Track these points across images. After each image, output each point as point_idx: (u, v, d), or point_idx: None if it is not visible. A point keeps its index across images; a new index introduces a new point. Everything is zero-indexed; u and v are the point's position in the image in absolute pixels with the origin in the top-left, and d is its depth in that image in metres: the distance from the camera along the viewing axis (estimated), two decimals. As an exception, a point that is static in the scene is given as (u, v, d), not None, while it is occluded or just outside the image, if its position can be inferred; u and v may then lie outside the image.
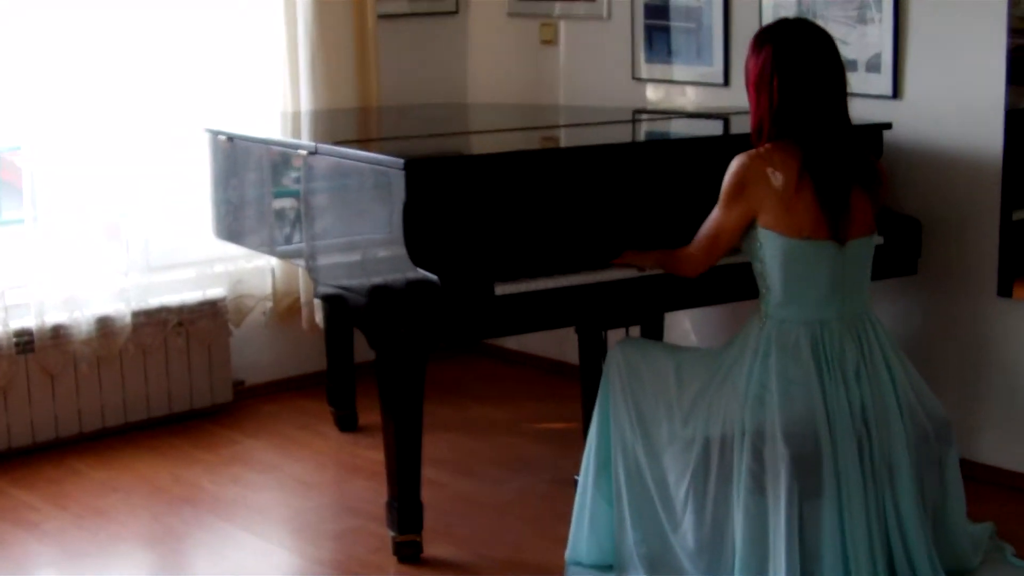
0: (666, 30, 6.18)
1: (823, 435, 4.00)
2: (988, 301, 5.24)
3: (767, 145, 4.08)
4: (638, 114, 6.02)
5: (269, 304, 6.41)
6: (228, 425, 6.16)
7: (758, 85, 4.10)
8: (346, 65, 6.30)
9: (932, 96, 5.25)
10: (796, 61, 4.05)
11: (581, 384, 5.26)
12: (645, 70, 6.30)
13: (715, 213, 4.13)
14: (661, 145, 5.15)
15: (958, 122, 5.21)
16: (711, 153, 4.57)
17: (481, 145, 5.20)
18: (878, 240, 4.25)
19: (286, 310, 6.45)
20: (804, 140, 4.04)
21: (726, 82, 5.99)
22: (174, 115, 6.12)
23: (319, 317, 6.29)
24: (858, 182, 4.10)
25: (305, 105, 6.22)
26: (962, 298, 5.30)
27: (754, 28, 5.46)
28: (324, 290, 4.86)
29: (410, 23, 6.85)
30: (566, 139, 5.30)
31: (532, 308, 4.32)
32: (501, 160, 4.67)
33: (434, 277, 4.16)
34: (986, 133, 5.13)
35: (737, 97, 5.75)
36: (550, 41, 6.74)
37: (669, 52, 6.19)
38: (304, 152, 4.86)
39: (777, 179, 4.00)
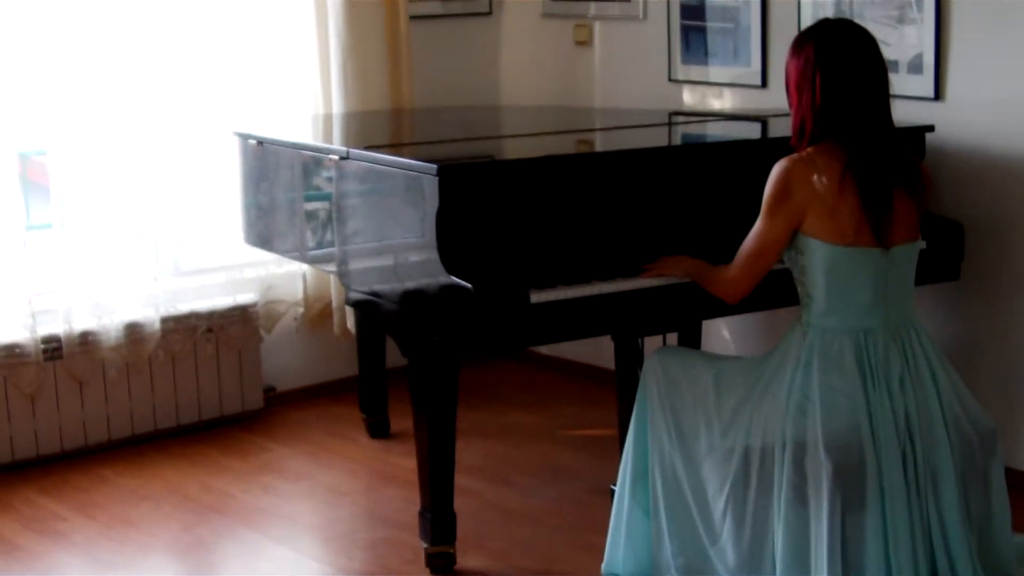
0: (703, 31, 6.08)
1: (867, 446, 3.89)
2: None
3: (809, 149, 3.97)
4: (674, 117, 5.91)
5: (300, 310, 6.34)
6: (259, 432, 6.08)
7: (800, 83, 4.00)
8: (378, 67, 6.22)
9: (975, 98, 5.15)
10: (839, 58, 3.95)
11: (617, 391, 5.13)
12: (681, 71, 6.21)
13: (758, 226, 4.02)
14: (698, 149, 5.04)
15: (1001, 124, 5.11)
16: (750, 157, 4.51)
17: (515, 149, 5.11)
18: (921, 245, 4.12)
19: (317, 316, 6.38)
20: (847, 140, 3.93)
21: (764, 83, 5.89)
22: (203, 118, 6.05)
23: (351, 323, 6.21)
24: (902, 185, 3.98)
25: (337, 107, 6.14)
26: (1006, 303, 5.20)
27: (792, 28, 5.50)
28: (356, 296, 4.78)
29: (443, 24, 6.77)
30: (602, 143, 5.22)
31: (568, 316, 4.23)
32: (535, 165, 4.57)
33: (468, 285, 4.08)
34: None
35: (775, 99, 5.67)
36: (585, 42, 6.64)
37: (706, 53, 6.09)
38: (336, 157, 4.77)
39: (822, 183, 3.90)
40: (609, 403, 5.43)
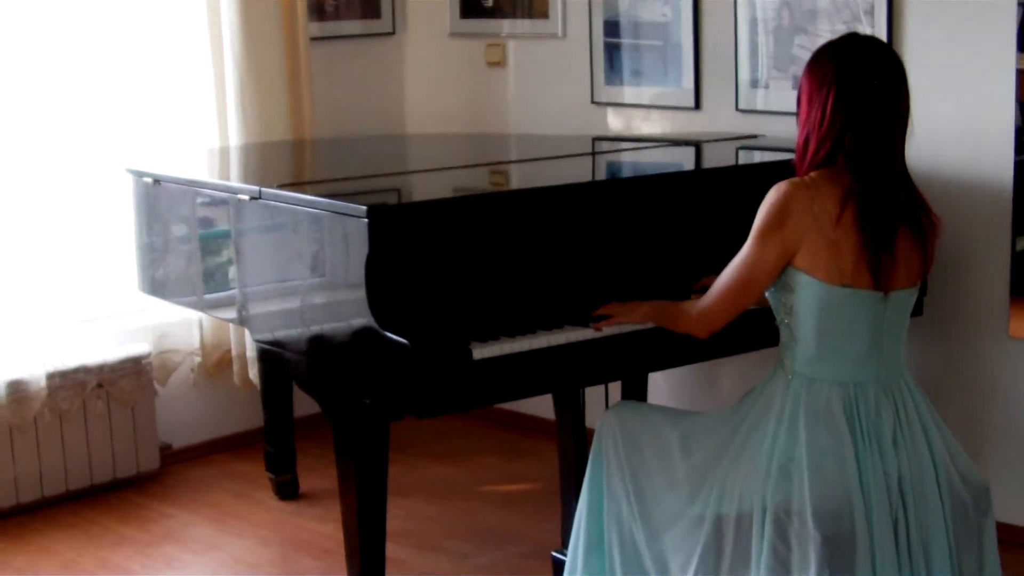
0: (628, 48, 5.67)
1: (858, 513, 3.52)
2: (998, 342, 4.81)
3: (812, 173, 3.60)
4: (600, 143, 5.51)
5: (197, 359, 5.92)
6: (157, 496, 5.62)
7: (811, 98, 3.62)
8: (277, 93, 5.84)
9: (932, 120, 4.77)
10: (858, 77, 3.56)
11: (558, 440, 4.75)
12: (605, 93, 5.81)
13: (746, 253, 3.63)
14: (655, 181, 4.57)
15: (962, 149, 4.80)
16: (708, 186, 4.20)
17: (445, 186, 4.64)
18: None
19: (216, 365, 5.96)
20: (853, 168, 3.55)
21: (697, 105, 5.50)
22: (91, 154, 5.62)
23: (253, 372, 5.75)
24: (908, 224, 3.61)
25: (235, 138, 5.73)
26: (970, 340, 4.84)
27: (728, 44, 5.24)
28: (266, 350, 4.31)
29: (343, 46, 6.36)
30: (539, 176, 4.73)
31: (517, 372, 3.80)
32: (476, 203, 4.14)
33: (403, 340, 3.64)
34: (993, 161, 4.73)
35: (708, 121, 5.36)
36: (498, 63, 6.24)
37: (632, 72, 5.68)
38: (245, 197, 4.28)
39: (822, 212, 3.53)
40: (533, 453, 5.16)
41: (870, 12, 4.92)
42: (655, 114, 5.66)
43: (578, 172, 4.84)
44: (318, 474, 5.58)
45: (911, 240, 3.60)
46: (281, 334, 4.22)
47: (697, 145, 5.23)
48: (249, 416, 6.04)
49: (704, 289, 3.91)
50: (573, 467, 4.64)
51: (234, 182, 4.66)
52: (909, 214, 3.61)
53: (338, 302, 3.91)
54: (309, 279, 4.09)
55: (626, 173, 5.00)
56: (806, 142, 3.61)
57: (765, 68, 5.25)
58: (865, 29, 4.91)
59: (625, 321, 3.95)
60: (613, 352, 3.95)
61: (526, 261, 4.06)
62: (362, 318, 3.76)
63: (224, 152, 5.63)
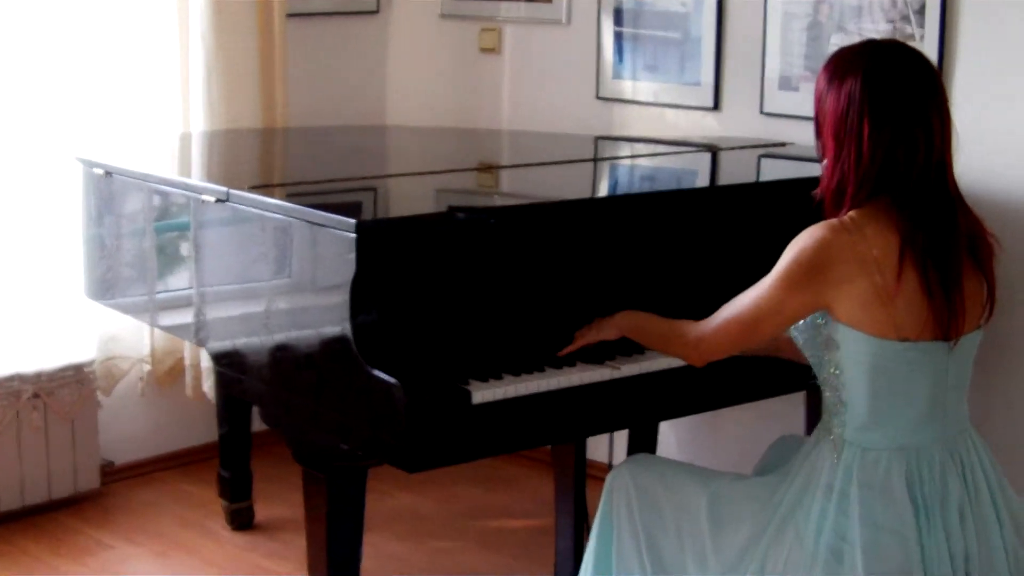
0: (641, 39, 5.11)
1: (920, 600, 3.01)
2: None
3: (852, 213, 3.03)
4: (604, 143, 4.95)
5: (147, 367, 5.33)
6: (95, 522, 5.03)
7: (840, 131, 3.05)
8: (248, 74, 5.28)
9: (988, 132, 4.26)
10: (895, 99, 3.01)
11: (554, 470, 4.20)
12: (612, 88, 5.24)
13: (766, 293, 3.08)
14: (684, 196, 3.98)
15: (1020, 162, 4.24)
16: (747, 202, 3.77)
17: (440, 196, 4.05)
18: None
19: (167, 374, 5.38)
20: (903, 205, 3.00)
21: (716, 105, 4.95)
22: (36, 138, 5.03)
23: (208, 384, 5.18)
24: (971, 257, 3.08)
25: (200, 123, 5.16)
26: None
27: (756, 39, 4.70)
28: (226, 376, 3.76)
29: (322, 24, 5.79)
30: (545, 186, 4.14)
31: (524, 419, 3.25)
32: (485, 218, 3.51)
33: (392, 380, 3.07)
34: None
35: (728, 123, 4.87)
36: (492, 49, 5.67)
37: (644, 66, 5.12)
38: (209, 198, 3.70)
39: (872, 262, 2.98)
40: (520, 483, 4.75)
41: (920, 11, 4.37)
42: (668, 113, 5.11)
43: (589, 184, 4.26)
44: (276, 501, 5.06)
45: (974, 273, 3.09)
46: (244, 360, 3.65)
47: (715, 152, 4.66)
48: (201, 431, 5.53)
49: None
50: (572, 503, 4.12)
51: (197, 179, 4.05)
52: (970, 243, 3.09)
53: (315, 330, 3.34)
54: (281, 300, 3.52)
55: (649, 186, 4.42)
56: (841, 184, 3.07)
57: (796, 68, 4.68)
58: (914, 30, 4.38)
59: (594, 340, 3.42)
60: (637, 394, 3.43)
61: (532, 286, 3.51)
62: (344, 350, 3.20)
63: (186, 140, 5.06)
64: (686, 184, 4.33)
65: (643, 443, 4.41)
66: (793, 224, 3.11)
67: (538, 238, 3.52)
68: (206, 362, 5.19)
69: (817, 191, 3.13)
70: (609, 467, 3.96)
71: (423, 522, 5.02)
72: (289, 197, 3.64)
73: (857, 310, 2.99)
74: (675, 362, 3.38)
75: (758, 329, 3.11)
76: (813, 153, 4.26)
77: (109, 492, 5.26)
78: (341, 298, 3.20)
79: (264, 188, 3.79)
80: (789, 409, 4.40)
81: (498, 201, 4.04)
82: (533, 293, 3.49)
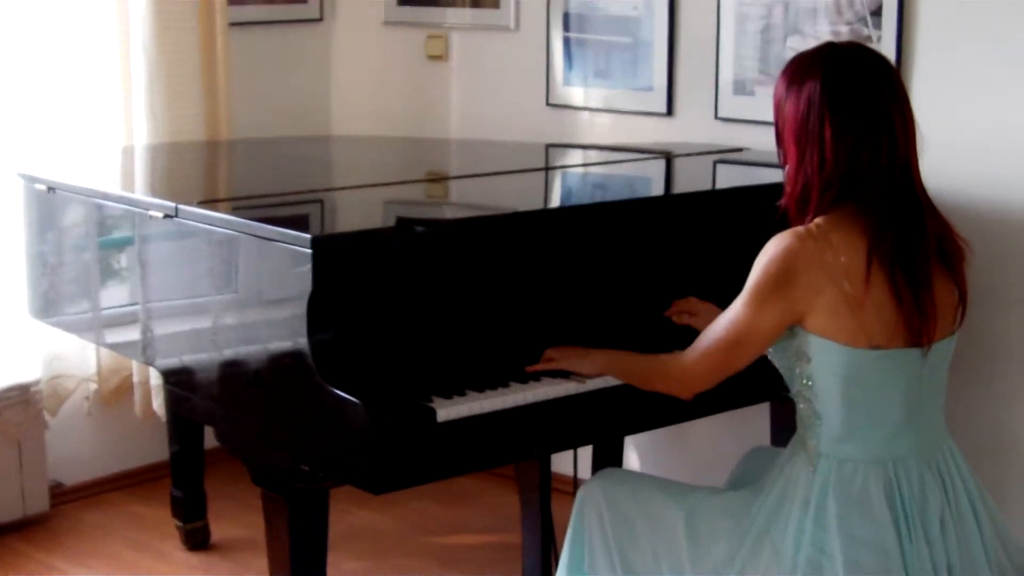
0: (591, 44, 5.03)
1: (900, 614, 2.94)
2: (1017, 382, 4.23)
3: (818, 220, 2.97)
4: (556, 151, 4.86)
5: (93, 386, 5.19)
6: (44, 546, 4.89)
7: (801, 135, 2.99)
8: (191, 85, 5.14)
9: (948, 135, 4.19)
10: (855, 100, 2.95)
11: (518, 484, 4.15)
12: (563, 94, 5.15)
13: (739, 314, 3.00)
14: (651, 204, 3.93)
15: (984, 167, 4.20)
16: (707, 210, 3.70)
17: (396, 208, 3.95)
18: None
19: (114, 393, 5.24)
20: (869, 209, 2.94)
21: (669, 111, 4.85)
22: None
23: (157, 402, 5.07)
24: (941, 261, 3.02)
25: (142, 137, 5.02)
26: (996, 385, 4.26)
27: (709, 43, 4.63)
28: (178, 395, 3.67)
29: (265, 32, 5.67)
30: (509, 197, 4.06)
31: (491, 436, 3.17)
32: (444, 231, 3.43)
33: (354, 400, 2.98)
34: (1019, 181, 4.12)
35: (681, 129, 4.79)
36: (440, 56, 5.57)
37: (595, 72, 5.04)
38: (157, 214, 3.59)
39: (840, 269, 2.92)
40: (476, 496, 4.67)
41: (877, 12, 4.31)
42: (621, 120, 5.02)
43: (547, 194, 4.18)
44: (232, 520, 4.94)
45: (945, 277, 3.03)
46: (198, 381, 3.56)
47: (669, 158, 4.60)
48: (151, 450, 5.39)
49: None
50: (538, 519, 4.06)
51: (144, 194, 3.95)
52: (938, 246, 3.02)
53: (272, 349, 3.24)
54: (234, 318, 3.42)
55: (610, 194, 4.33)
56: (805, 189, 3.00)
57: (751, 71, 4.61)
58: (871, 31, 4.32)
59: (567, 369, 3.32)
60: (606, 408, 3.34)
61: (491, 299, 3.42)
62: (302, 370, 3.11)
63: (129, 153, 4.94)
64: (645, 192, 4.28)
65: (608, 456, 4.33)
66: (755, 231, 3.06)
67: (496, 250, 3.45)
68: (155, 380, 5.07)
69: (781, 201, 3.07)
70: (574, 480, 3.91)
71: (382, 539, 4.90)
72: (240, 212, 3.53)
73: (827, 319, 2.93)
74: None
75: (740, 351, 3.03)
76: (772, 158, 4.21)
77: (58, 514, 5.12)
78: (298, 315, 3.11)
79: (213, 203, 3.69)
80: (753, 419, 4.34)
81: (454, 213, 3.96)
82: (493, 306, 3.41)
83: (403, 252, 3.29)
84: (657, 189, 4.36)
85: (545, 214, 3.71)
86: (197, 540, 4.87)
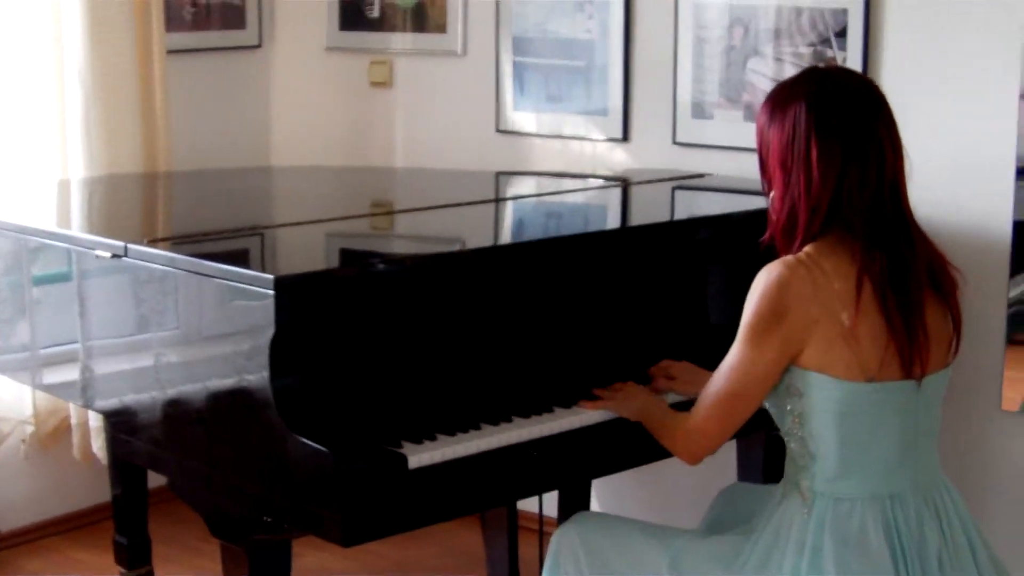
0: (543, 69, 4.89)
1: (902, 660, 2.83)
2: (991, 415, 4.13)
3: (807, 248, 2.86)
4: (508, 179, 4.73)
5: (29, 428, 5.01)
6: (-19, 598, 4.67)
7: (786, 158, 2.89)
8: (129, 114, 4.98)
9: (913, 158, 3.99)
10: (841, 122, 2.85)
11: (483, 527, 4.09)
12: (513, 120, 5.01)
13: (737, 358, 2.89)
14: (628, 234, 3.78)
15: (952, 190, 4.10)
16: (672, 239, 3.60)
17: (357, 241, 3.80)
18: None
19: (51, 435, 5.06)
20: (858, 235, 2.83)
21: (625, 136, 4.72)
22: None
23: (97, 444, 4.89)
24: (933, 288, 2.92)
25: (78, 169, 4.84)
26: (961, 413, 4.13)
27: (666, 66, 4.51)
28: (128, 449, 3.51)
29: (201, 60, 5.49)
30: (475, 229, 3.91)
31: (465, 482, 3.02)
32: (414, 269, 3.29)
33: (321, 448, 2.82)
34: (986, 206, 4.06)
35: (638, 155, 4.66)
36: (383, 83, 5.41)
37: (547, 97, 4.90)
38: (104, 254, 3.42)
39: (833, 298, 2.82)
40: (435, 534, 4.17)
41: (842, 33, 4.20)
42: (574, 145, 4.88)
43: (513, 227, 4.04)
44: (178, 564, 4.77)
45: (938, 307, 2.93)
46: (145, 425, 3.39)
47: (626, 185, 4.46)
48: (91, 493, 5.22)
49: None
50: (507, 559, 4.02)
51: (85, 231, 3.75)
52: (930, 273, 2.92)
53: (232, 394, 3.07)
54: (188, 362, 3.25)
55: (582, 226, 4.19)
56: (792, 215, 2.89)
57: (710, 95, 4.49)
58: (836, 52, 4.22)
59: (614, 408, 3.22)
60: (584, 447, 3.20)
61: (458, 338, 3.28)
62: (265, 417, 2.95)
63: (65, 187, 4.74)
64: (616, 223, 4.14)
65: (576, 496, 4.18)
66: (727, 261, 2.94)
67: (464, 287, 3.30)
68: (94, 421, 4.90)
69: (765, 235, 2.96)
70: (540, 517, 3.78)
71: (333, 582, 4.72)
72: (193, 252, 3.34)
73: (822, 353, 2.83)
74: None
75: (743, 402, 2.93)
76: (737, 184, 4.13)
77: (-5, 564, 4.94)
78: (259, 359, 2.95)
79: (162, 241, 3.52)
80: (718, 455, 4.21)
81: (419, 248, 3.79)
82: (461, 344, 3.27)
83: (368, 291, 3.14)
84: (639, 218, 4.19)
85: (520, 248, 3.55)
86: (142, 588, 4.67)
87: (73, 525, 5.23)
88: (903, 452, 2.89)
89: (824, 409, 2.85)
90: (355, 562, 4.84)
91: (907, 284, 2.83)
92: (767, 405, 2.96)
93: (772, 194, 2.94)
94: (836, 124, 2.83)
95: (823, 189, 2.83)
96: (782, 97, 2.92)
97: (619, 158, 4.76)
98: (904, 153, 2.92)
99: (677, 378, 3.37)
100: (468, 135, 5.15)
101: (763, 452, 4.08)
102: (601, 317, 3.48)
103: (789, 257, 2.86)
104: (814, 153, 2.83)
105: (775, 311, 2.81)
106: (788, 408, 2.90)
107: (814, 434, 2.88)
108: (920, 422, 2.91)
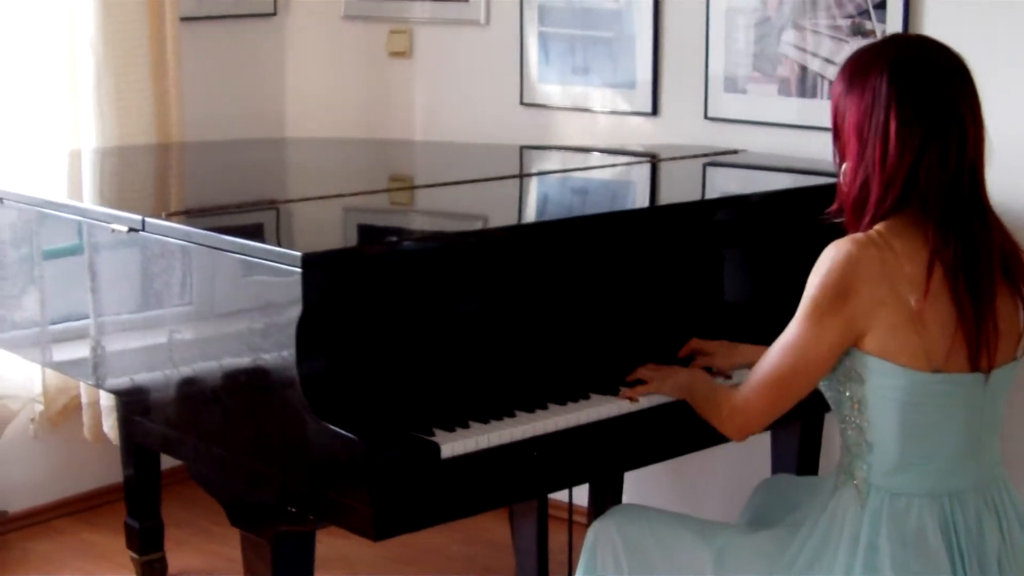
0: (569, 40, 4.74)
1: (960, 664, 2.70)
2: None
3: (878, 226, 2.72)
4: (531, 154, 4.59)
5: (39, 407, 4.89)
6: (-10, 580, 4.59)
7: (863, 127, 2.73)
8: (141, 83, 4.86)
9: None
10: (925, 94, 2.70)
11: (511, 518, 3.92)
12: (539, 93, 4.86)
13: (795, 335, 2.75)
14: (685, 210, 3.63)
15: (995, 170, 3.85)
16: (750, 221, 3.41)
17: (386, 217, 3.66)
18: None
19: (61, 414, 4.95)
20: (935, 212, 2.69)
21: (654, 110, 4.58)
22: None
23: (108, 423, 4.77)
24: (1006, 278, 2.77)
25: (90, 140, 4.73)
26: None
27: (698, 37, 4.36)
28: (143, 433, 3.37)
29: (215, 28, 5.36)
30: (506, 206, 3.77)
31: (500, 472, 2.87)
32: (447, 248, 3.14)
33: (352, 436, 2.67)
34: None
35: (667, 129, 4.52)
36: (402, 53, 5.28)
37: (574, 69, 4.75)
38: (121, 228, 3.28)
39: (903, 280, 2.67)
40: (460, 521, 4.00)
41: (881, 5, 4.05)
42: (601, 119, 4.73)
43: (548, 203, 3.89)
44: (191, 549, 4.66)
45: (1009, 297, 2.78)
46: (162, 409, 3.27)
47: (654, 162, 4.31)
48: (101, 474, 5.11)
49: (690, 357, 3.24)
50: (535, 551, 3.85)
51: (102, 206, 3.61)
52: (1004, 263, 2.77)
53: (255, 379, 2.94)
54: (207, 343, 3.11)
55: (628, 202, 4.05)
56: (864, 187, 2.74)
57: (743, 68, 4.34)
58: (875, 25, 4.06)
59: (656, 391, 3.09)
60: (620, 438, 3.06)
61: (496, 319, 3.14)
62: (291, 402, 2.81)
63: (76, 158, 4.62)
64: (662, 200, 4.01)
65: (608, 484, 4.04)
66: (767, 242, 2.79)
67: (499, 266, 3.17)
68: (105, 401, 4.78)
69: (833, 206, 2.81)
70: (570, 507, 3.64)
71: (357, 570, 4.60)
72: (213, 226, 3.20)
73: (887, 337, 2.69)
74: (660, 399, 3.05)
75: (797, 381, 2.80)
76: (772, 162, 3.98)
77: (5, 544, 4.83)
78: (285, 342, 2.81)
79: (181, 215, 3.38)
80: (749, 446, 4.07)
81: (452, 226, 3.63)
82: (496, 327, 3.13)
83: (398, 270, 3.00)
84: (679, 195, 4.03)
85: (559, 225, 3.40)
86: (154, 573, 4.55)
87: (83, 506, 5.12)
88: (967, 448, 2.76)
89: (885, 397, 2.71)
90: (375, 549, 4.67)
91: (980, 271, 2.69)
92: (823, 388, 2.83)
93: (844, 165, 2.79)
94: (918, 98, 2.68)
95: (899, 165, 2.68)
96: (862, 64, 2.77)
97: (648, 132, 4.60)
98: (985, 134, 2.76)
99: (715, 353, 3.24)
100: (491, 108, 5.01)
101: (798, 442, 3.95)
102: (640, 299, 3.35)
103: (859, 235, 2.72)
104: (892, 126, 2.68)
105: (841, 290, 2.67)
106: (847, 394, 2.77)
107: (873, 422, 2.74)
108: (985, 417, 2.78)
